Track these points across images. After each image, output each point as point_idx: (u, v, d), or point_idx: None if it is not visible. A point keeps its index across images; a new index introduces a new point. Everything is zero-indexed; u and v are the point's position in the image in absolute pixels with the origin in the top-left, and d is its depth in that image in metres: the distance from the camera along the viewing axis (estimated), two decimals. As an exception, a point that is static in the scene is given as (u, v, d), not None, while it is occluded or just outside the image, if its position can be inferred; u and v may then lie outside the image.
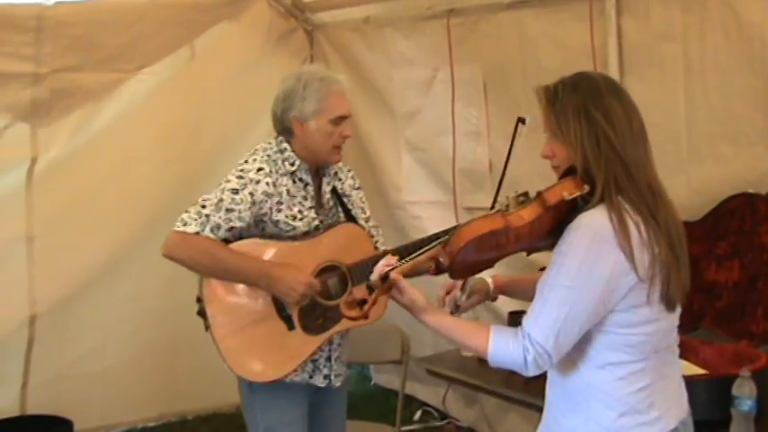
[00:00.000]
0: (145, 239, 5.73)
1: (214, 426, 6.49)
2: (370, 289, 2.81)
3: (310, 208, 3.85)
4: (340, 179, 4.04)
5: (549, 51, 5.04)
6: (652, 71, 4.60)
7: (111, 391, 6.17)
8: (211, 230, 3.62)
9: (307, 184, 3.86)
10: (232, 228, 3.67)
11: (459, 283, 3.08)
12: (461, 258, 2.68)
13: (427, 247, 2.80)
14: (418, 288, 2.80)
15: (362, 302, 2.77)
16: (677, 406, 2.77)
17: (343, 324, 3.82)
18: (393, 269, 2.75)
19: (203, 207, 3.64)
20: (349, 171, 4.13)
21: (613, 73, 4.64)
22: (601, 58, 4.71)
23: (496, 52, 5.39)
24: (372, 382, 7.24)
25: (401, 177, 6.28)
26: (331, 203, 3.97)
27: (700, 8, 4.34)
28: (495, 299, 3.22)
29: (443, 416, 6.41)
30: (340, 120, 3.81)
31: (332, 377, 3.97)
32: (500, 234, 2.64)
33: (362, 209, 4.10)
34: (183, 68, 5.93)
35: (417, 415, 6.50)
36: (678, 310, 2.72)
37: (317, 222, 3.85)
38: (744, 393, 3.38)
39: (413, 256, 2.78)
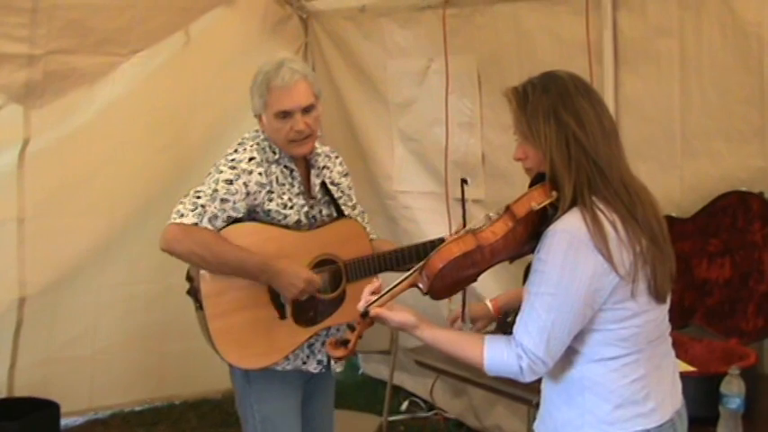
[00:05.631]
0: (136, 223, 5.73)
1: (201, 412, 6.49)
2: (351, 328, 2.83)
3: (298, 194, 3.82)
4: (328, 167, 4.00)
5: (545, 44, 5.02)
6: (647, 66, 4.59)
7: (100, 374, 6.18)
8: (209, 221, 3.58)
9: (292, 170, 3.83)
10: (228, 218, 3.63)
11: (460, 314, 3.18)
12: (439, 282, 2.72)
13: (405, 276, 2.80)
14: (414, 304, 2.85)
15: (346, 342, 2.83)
16: (672, 396, 2.80)
17: (334, 319, 3.84)
18: (372, 304, 2.78)
19: (198, 198, 3.60)
20: (337, 157, 4.10)
21: (608, 67, 4.65)
22: (596, 52, 4.70)
23: (491, 44, 5.37)
24: (360, 372, 7.25)
25: (393, 167, 6.27)
26: (320, 195, 3.93)
27: (696, 4, 4.33)
28: (497, 319, 3.26)
29: (431, 407, 6.42)
30: (284, 114, 3.73)
31: (332, 362, 3.95)
32: (474, 253, 2.68)
33: (349, 196, 4.09)
34: (177, 53, 5.91)
35: (405, 405, 6.50)
36: (668, 299, 2.73)
37: (306, 209, 3.83)
38: (732, 391, 3.38)
39: (391, 287, 2.81)
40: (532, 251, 2.70)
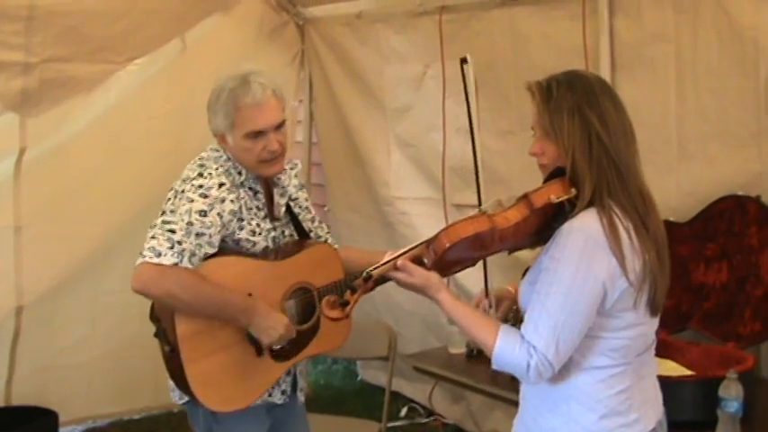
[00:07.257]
0: (133, 232, 5.66)
1: (199, 419, 6.48)
2: (353, 290, 2.78)
3: (264, 218, 3.65)
4: (285, 186, 3.77)
5: (541, 49, 5.03)
6: (644, 71, 4.60)
7: (97, 382, 6.16)
8: (189, 260, 3.32)
9: (256, 192, 3.64)
10: (205, 254, 3.38)
11: (485, 297, 3.11)
12: (446, 259, 2.69)
13: (411, 247, 2.76)
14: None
15: (344, 304, 2.77)
16: (654, 406, 2.80)
17: (309, 351, 3.69)
18: (374, 269, 2.74)
19: (172, 232, 3.33)
20: (292, 169, 3.85)
21: (605, 72, 4.64)
22: (592, 57, 4.71)
23: (488, 49, 5.37)
24: (359, 378, 7.25)
25: (390, 173, 6.27)
26: (283, 216, 3.76)
27: (692, 9, 4.34)
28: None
29: (429, 413, 6.41)
30: (255, 134, 3.49)
31: (297, 392, 3.85)
32: (485, 235, 2.65)
33: (308, 208, 3.92)
34: (173, 61, 5.90)
35: (403, 411, 6.50)
36: (659, 314, 2.73)
37: (273, 234, 3.68)
38: (730, 395, 3.39)
39: (396, 255, 2.76)
40: (532, 246, 2.69)
